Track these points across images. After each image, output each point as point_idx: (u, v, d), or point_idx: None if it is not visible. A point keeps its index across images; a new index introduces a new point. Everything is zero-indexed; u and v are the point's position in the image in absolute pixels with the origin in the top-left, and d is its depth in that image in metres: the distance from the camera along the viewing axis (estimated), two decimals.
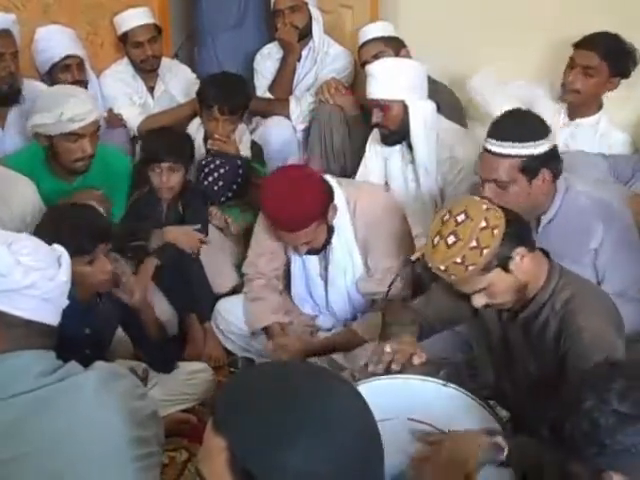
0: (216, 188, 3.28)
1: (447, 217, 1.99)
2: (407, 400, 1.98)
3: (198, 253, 3.27)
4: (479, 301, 2.04)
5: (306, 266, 2.99)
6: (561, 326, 2.02)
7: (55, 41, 3.68)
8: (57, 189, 3.07)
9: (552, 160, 2.44)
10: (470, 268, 1.95)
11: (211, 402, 1.13)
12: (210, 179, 3.30)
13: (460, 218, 1.96)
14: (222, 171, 3.32)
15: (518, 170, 2.40)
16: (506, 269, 1.98)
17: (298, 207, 2.64)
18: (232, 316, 3.15)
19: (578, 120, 3.29)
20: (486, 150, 2.45)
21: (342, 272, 2.94)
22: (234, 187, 3.30)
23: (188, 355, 3.11)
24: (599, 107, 3.29)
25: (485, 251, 1.94)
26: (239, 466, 1.06)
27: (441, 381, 2.04)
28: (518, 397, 2.22)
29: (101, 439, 1.52)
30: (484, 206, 1.98)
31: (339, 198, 2.84)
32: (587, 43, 3.18)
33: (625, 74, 3.22)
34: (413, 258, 2.53)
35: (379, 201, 3.01)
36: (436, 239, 1.99)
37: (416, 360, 2.08)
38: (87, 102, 3.03)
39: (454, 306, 2.26)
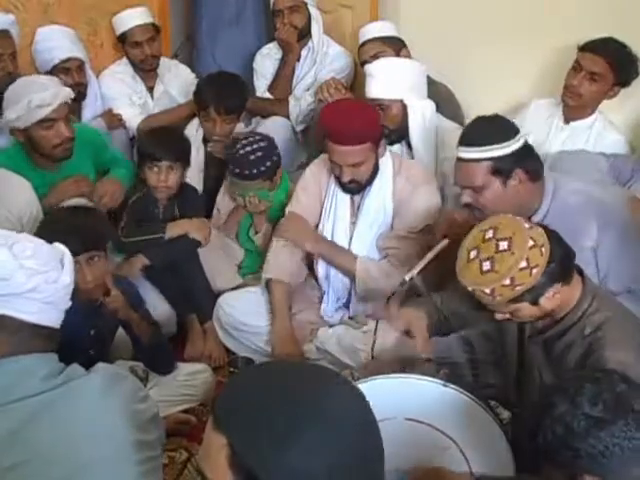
0: (252, 158, 3.20)
1: (490, 235, 1.92)
2: (406, 400, 1.98)
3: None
4: (500, 316, 2.00)
5: (336, 218, 3.02)
6: (587, 352, 1.95)
7: (56, 42, 3.68)
8: (42, 182, 3.06)
9: (525, 159, 2.42)
10: (498, 298, 1.90)
11: (211, 402, 1.14)
12: (248, 149, 3.22)
13: (502, 245, 1.88)
14: (262, 144, 3.26)
15: (490, 173, 2.39)
16: (535, 303, 1.92)
17: (360, 119, 2.78)
18: (235, 310, 3.15)
19: (573, 123, 3.28)
20: (458, 158, 2.45)
21: (369, 225, 2.98)
22: (268, 164, 3.25)
23: (187, 355, 3.12)
24: (594, 110, 3.28)
25: (517, 287, 1.87)
26: (239, 463, 1.07)
27: (441, 381, 2.04)
28: (521, 403, 2.21)
29: (105, 443, 1.51)
30: (530, 242, 1.87)
31: (387, 159, 2.95)
32: (595, 48, 3.14)
33: (626, 84, 3.19)
34: (407, 278, 2.51)
35: (421, 170, 3.07)
36: (472, 253, 1.93)
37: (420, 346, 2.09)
38: (50, 85, 3.02)
39: (471, 307, 2.23)
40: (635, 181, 3.02)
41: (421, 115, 3.19)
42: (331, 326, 3.08)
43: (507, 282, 1.86)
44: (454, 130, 3.32)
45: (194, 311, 3.25)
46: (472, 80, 3.75)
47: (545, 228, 1.96)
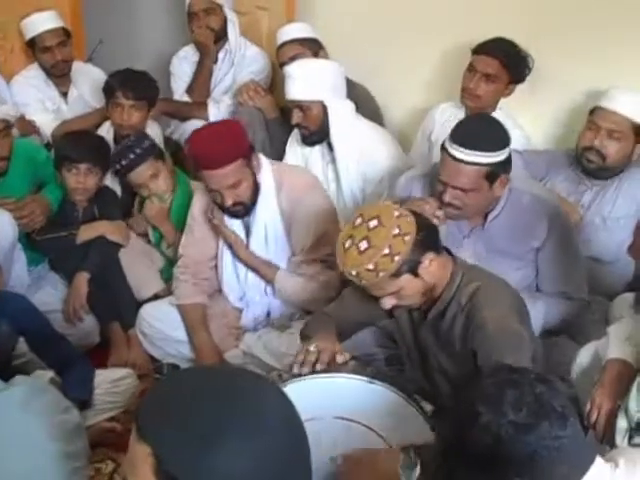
0: (127, 143, 3.24)
1: (359, 221, 2.01)
2: (334, 399, 1.99)
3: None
4: (388, 303, 2.09)
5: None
6: (467, 320, 2.08)
7: None
8: None
9: (509, 164, 2.50)
10: (381, 274, 1.99)
11: (135, 410, 1.12)
12: (121, 144, 3.30)
13: (372, 224, 1.98)
14: (132, 137, 3.31)
15: (482, 177, 2.44)
16: (415, 274, 2.03)
17: (221, 140, 2.70)
18: (157, 321, 3.12)
19: None
20: (450, 156, 2.45)
21: (262, 245, 2.95)
22: (137, 151, 3.23)
23: (111, 364, 3.06)
24: (494, 108, 3.35)
25: (396, 257, 1.97)
26: (165, 471, 1.05)
27: (367, 378, 2.05)
28: (436, 394, 2.26)
29: (31, 456, 1.48)
30: (396, 212, 2.00)
31: (267, 173, 2.88)
32: (487, 50, 3.22)
33: (521, 80, 3.29)
34: None
35: (302, 178, 3.03)
36: (347, 243, 2.01)
37: (339, 359, 2.10)
38: None
39: (367, 309, 2.28)
40: (550, 177, 3.09)
41: (342, 115, 3.21)
42: (257, 330, 3.07)
43: (386, 251, 1.97)
44: (373, 130, 3.37)
45: (117, 318, 3.20)
46: (388, 80, 3.79)
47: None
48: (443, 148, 2.48)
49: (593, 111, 2.97)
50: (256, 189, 2.84)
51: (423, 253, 2.02)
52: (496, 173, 2.45)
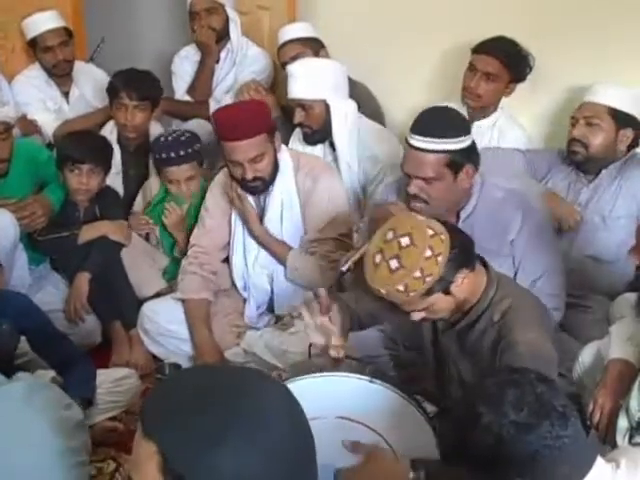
0: (183, 139, 3.31)
1: (390, 236, 1.93)
2: (335, 398, 1.99)
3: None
4: (417, 316, 2.02)
5: (245, 227, 3.03)
6: (498, 337, 2.02)
7: None
8: None
9: (474, 154, 2.48)
10: (412, 294, 1.92)
11: (138, 409, 1.12)
12: (174, 135, 3.34)
13: (404, 242, 1.90)
14: (186, 132, 3.38)
15: (444, 165, 2.42)
16: (447, 292, 1.97)
17: (248, 113, 2.84)
18: (157, 315, 3.13)
19: (477, 122, 3.32)
20: (411, 146, 2.45)
21: (277, 223, 2.99)
22: (196, 147, 3.30)
23: (113, 364, 3.06)
24: (496, 108, 3.36)
25: (428, 279, 1.90)
26: (171, 469, 1.05)
27: (368, 378, 2.05)
28: (442, 396, 2.26)
29: (35, 450, 1.49)
30: (430, 232, 1.92)
31: (285, 154, 2.98)
32: (487, 48, 3.23)
33: (522, 79, 3.30)
34: (344, 269, 2.50)
35: (319, 161, 3.16)
36: (377, 258, 1.94)
37: (333, 353, 2.12)
38: None
39: (383, 307, 2.25)
40: (552, 176, 3.10)
41: (344, 115, 3.21)
42: (258, 329, 3.08)
43: (417, 274, 1.89)
44: (375, 129, 3.38)
45: (119, 318, 3.20)
46: (388, 80, 3.79)
47: (438, 219, 2.02)
48: (405, 140, 2.49)
49: (578, 109, 3.02)
50: (276, 167, 2.90)
51: (456, 272, 1.95)
52: (459, 162, 2.43)
